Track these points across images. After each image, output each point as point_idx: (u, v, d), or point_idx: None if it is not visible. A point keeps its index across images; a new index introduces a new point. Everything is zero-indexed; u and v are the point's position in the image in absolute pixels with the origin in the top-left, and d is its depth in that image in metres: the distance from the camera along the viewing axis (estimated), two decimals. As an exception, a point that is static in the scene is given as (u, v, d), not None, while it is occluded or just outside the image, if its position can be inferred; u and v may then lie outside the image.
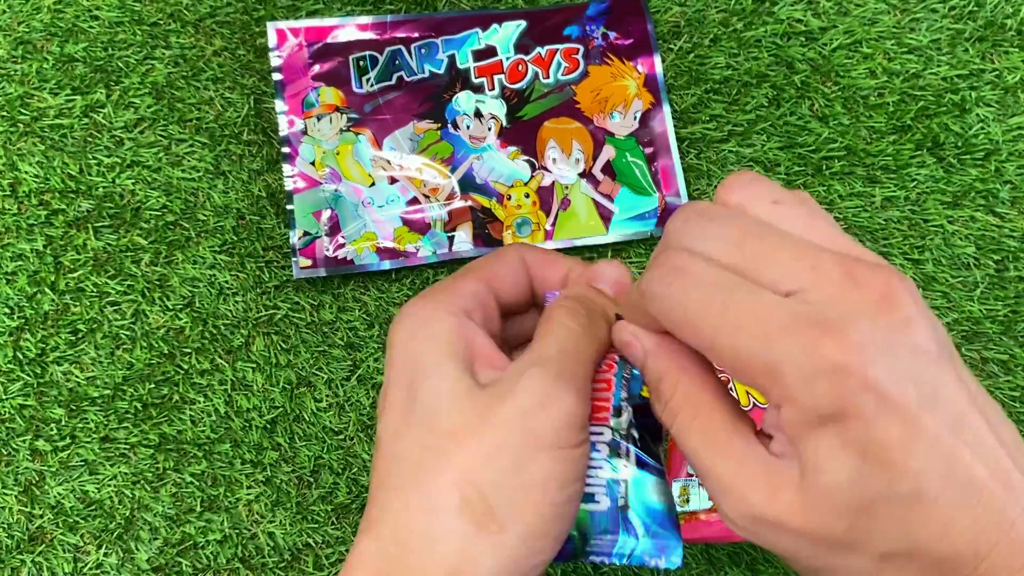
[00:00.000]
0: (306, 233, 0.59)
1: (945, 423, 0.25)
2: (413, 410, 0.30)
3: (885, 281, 0.25)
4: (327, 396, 0.58)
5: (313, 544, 0.56)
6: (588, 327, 0.32)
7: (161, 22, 0.63)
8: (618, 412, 0.32)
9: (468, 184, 0.61)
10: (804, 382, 0.24)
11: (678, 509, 0.54)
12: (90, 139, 0.61)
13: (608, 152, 0.62)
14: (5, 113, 0.61)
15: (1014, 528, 0.25)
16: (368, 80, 0.62)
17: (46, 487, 0.56)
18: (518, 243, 0.36)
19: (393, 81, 0.62)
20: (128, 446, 0.57)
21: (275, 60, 0.62)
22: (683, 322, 0.27)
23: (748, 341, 0.25)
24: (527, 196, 0.61)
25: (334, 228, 0.60)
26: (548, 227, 0.60)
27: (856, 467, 0.25)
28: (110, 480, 0.57)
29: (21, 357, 0.58)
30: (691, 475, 0.53)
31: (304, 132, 0.61)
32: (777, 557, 0.57)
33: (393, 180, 0.61)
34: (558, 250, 0.60)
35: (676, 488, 0.54)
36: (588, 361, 0.31)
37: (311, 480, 0.57)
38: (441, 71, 0.63)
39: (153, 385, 0.58)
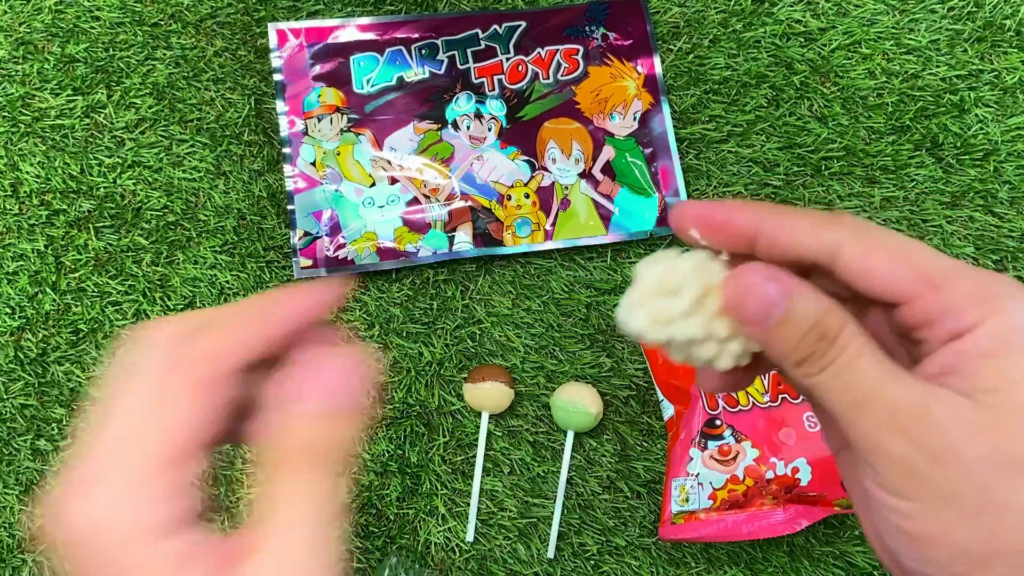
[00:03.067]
0: (307, 233, 0.59)
1: None
2: None
3: None
4: (327, 396, 0.58)
5: (313, 543, 0.56)
6: (339, 472, 0.25)
7: (162, 23, 0.63)
8: None
9: (468, 184, 0.61)
10: (1016, 298, 0.24)
11: (679, 508, 0.54)
12: (91, 139, 0.61)
13: (608, 152, 0.62)
14: (6, 113, 0.61)
15: None
16: (368, 81, 0.62)
17: (47, 487, 0.57)
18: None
19: (393, 82, 0.62)
20: (129, 446, 0.57)
21: (276, 61, 0.62)
22: (864, 251, 0.26)
23: (945, 268, 0.25)
24: (527, 196, 0.61)
25: (334, 228, 0.60)
26: (548, 227, 0.61)
27: None
28: (111, 479, 0.57)
29: (22, 357, 0.58)
30: (690, 474, 0.54)
31: (305, 132, 0.61)
32: (775, 556, 0.57)
33: (393, 180, 0.61)
34: (558, 250, 0.61)
35: (675, 488, 0.54)
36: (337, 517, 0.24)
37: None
38: (441, 72, 0.63)
39: (154, 385, 0.58)
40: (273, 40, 0.62)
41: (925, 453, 0.24)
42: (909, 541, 0.25)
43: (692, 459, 0.54)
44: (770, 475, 0.53)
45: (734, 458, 0.53)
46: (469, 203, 0.61)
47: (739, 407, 0.54)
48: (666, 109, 0.63)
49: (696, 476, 0.53)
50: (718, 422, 0.54)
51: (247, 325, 0.25)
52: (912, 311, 0.26)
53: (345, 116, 0.62)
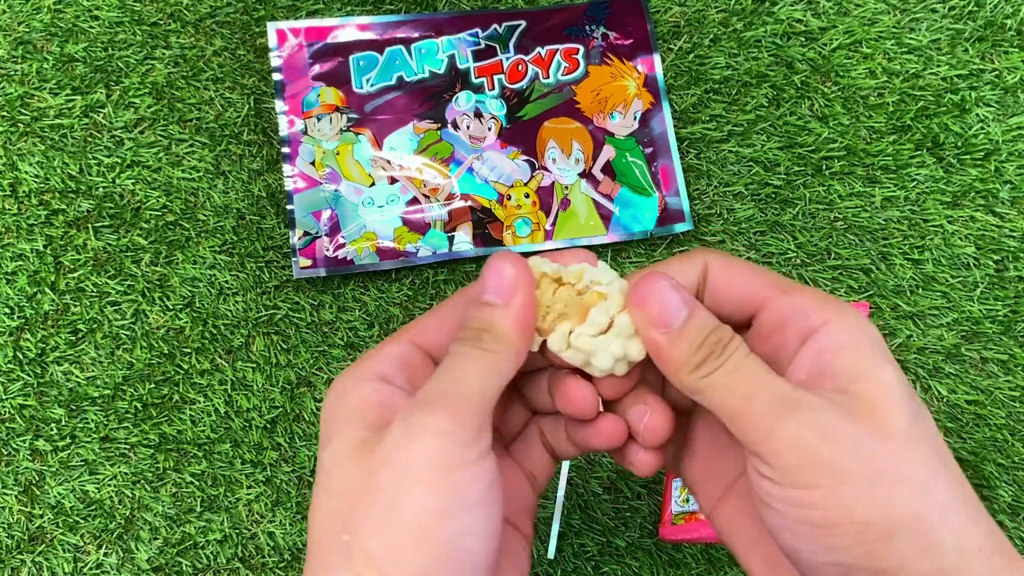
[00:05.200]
0: (306, 233, 0.59)
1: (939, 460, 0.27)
2: (319, 480, 0.29)
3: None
4: (327, 396, 0.58)
5: (313, 544, 0.56)
6: (473, 350, 0.30)
7: (161, 22, 0.63)
8: None
9: (468, 184, 0.61)
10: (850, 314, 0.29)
11: (679, 508, 0.54)
12: (90, 139, 0.61)
13: (608, 152, 0.62)
14: (5, 113, 0.61)
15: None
16: (368, 80, 0.62)
17: (46, 487, 0.56)
18: (462, 290, 0.33)
19: (393, 81, 0.62)
20: (128, 446, 0.57)
21: (275, 60, 0.62)
22: (744, 280, 0.31)
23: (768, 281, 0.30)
24: (527, 196, 0.61)
25: (334, 228, 0.60)
26: (548, 227, 0.60)
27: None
28: (110, 480, 0.57)
29: (21, 357, 0.58)
30: None
31: (304, 132, 0.61)
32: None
33: (393, 180, 0.61)
34: (558, 250, 0.60)
35: (676, 488, 0.54)
36: (472, 380, 0.29)
37: (311, 480, 0.57)
38: (441, 71, 0.63)
39: (153, 385, 0.58)
40: (272, 40, 0.62)
41: (813, 430, 0.26)
42: (814, 531, 0.27)
43: None
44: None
45: None
46: (469, 203, 0.61)
47: None
48: (666, 109, 0.63)
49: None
50: None
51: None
52: (768, 314, 0.29)
53: (345, 116, 0.61)
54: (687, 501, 0.53)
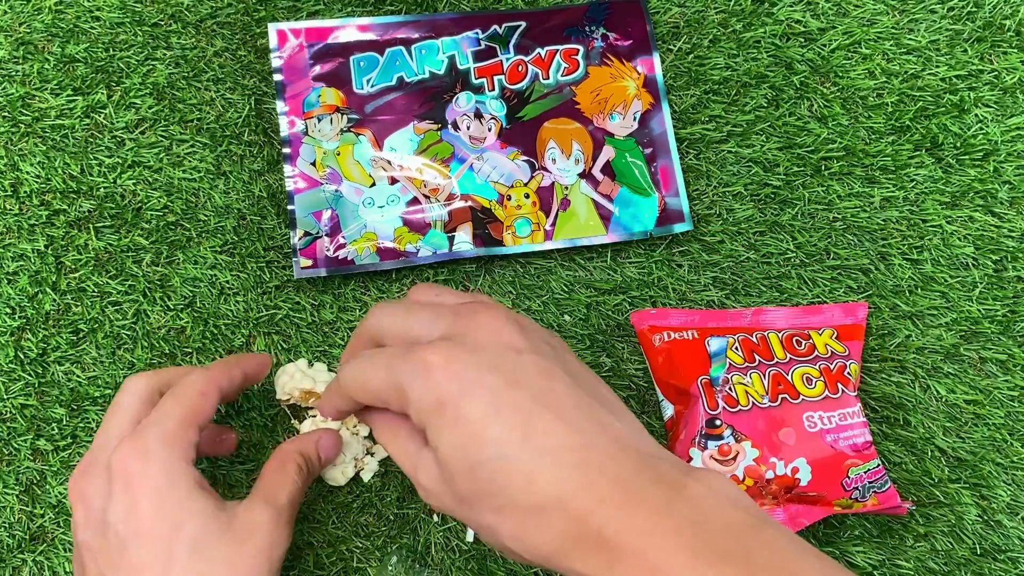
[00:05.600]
0: (307, 233, 0.60)
1: (517, 405, 0.34)
2: (183, 544, 0.43)
3: (473, 309, 0.37)
4: (327, 396, 0.58)
5: (314, 543, 0.56)
6: (306, 482, 0.49)
7: (162, 23, 0.63)
8: None
9: (468, 184, 0.61)
10: (413, 387, 0.35)
11: None
12: (91, 139, 0.61)
13: (608, 152, 0.62)
14: (6, 114, 0.61)
15: (595, 478, 0.32)
16: (368, 81, 0.63)
17: (47, 486, 0.57)
18: (201, 375, 0.47)
19: (393, 82, 0.62)
20: (129, 446, 0.57)
21: (276, 61, 0.62)
22: (359, 388, 0.39)
23: (386, 379, 0.37)
24: (527, 196, 0.61)
25: (335, 228, 0.60)
26: (548, 227, 0.61)
27: (454, 441, 0.34)
28: (111, 479, 0.57)
29: (22, 357, 0.58)
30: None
31: (305, 132, 0.61)
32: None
33: (393, 180, 0.61)
34: (558, 250, 0.61)
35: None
36: (298, 503, 0.48)
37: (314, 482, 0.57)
38: (441, 72, 0.63)
39: (154, 385, 0.58)
40: (273, 40, 0.62)
41: (427, 499, 0.38)
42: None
43: (692, 459, 0.54)
44: (770, 475, 0.53)
45: (734, 458, 0.53)
46: (469, 203, 0.61)
47: (739, 407, 0.54)
48: (666, 109, 0.63)
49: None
50: (718, 422, 0.54)
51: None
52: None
53: (345, 116, 0.62)
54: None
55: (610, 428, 0.34)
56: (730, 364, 0.56)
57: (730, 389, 0.55)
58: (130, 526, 0.42)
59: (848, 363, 0.56)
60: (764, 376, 0.55)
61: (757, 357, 0.56)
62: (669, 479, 0.33)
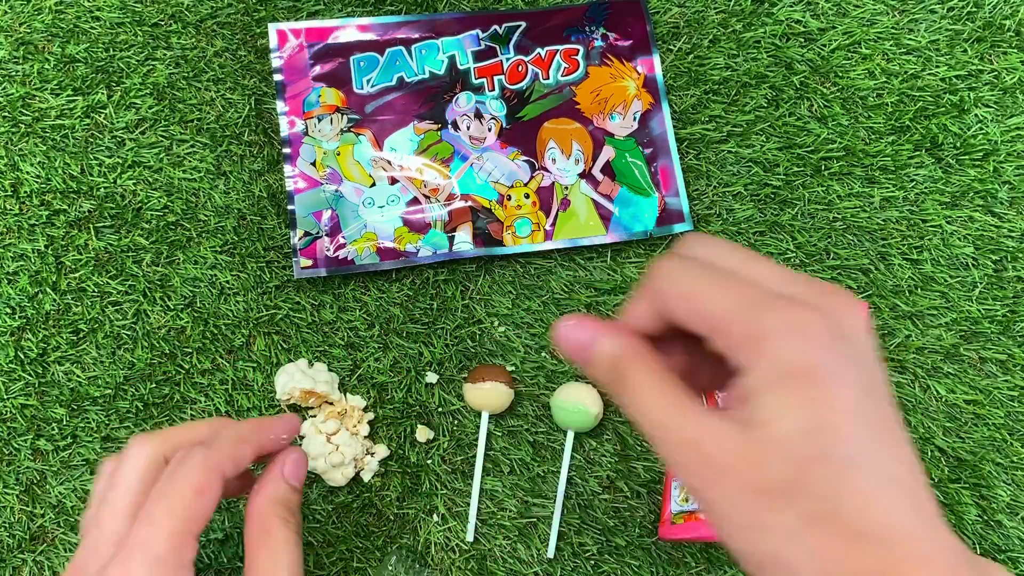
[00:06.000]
0: (307, 233, 0.60)
1: (879, 416, 0.29)
2: None
3: (832, 289, 0.31)
4: (328, 396, 0.59)
5: (314, 543, 0.56)
6: (297, 530, 0.41)
7: (162, 23, 0.63)
8: None
9: (468, 184, 0.61)
10: (783, 338, 0.28)
11: (678, 508, 0.54)
12: (91, 140, 0.61)
13: (608, 152, 0.62)
14: (7, 114, 0.61)
15: (926, 532, 0.27)
16: (368, 81, 0.63)
17: (47, 486, 0.57)
18: (212, 458, 0.41)
19: (393, 82, 0.63)
20: (129, 445, 0.57)
21: (276, 61, 0.62)
22: (686, 298, 0.31)
23: (742, 310, 0.30)
24: (527, 196, 0.61)
25: (335, 228, 0.60)
26: (548, 227, 0.61)
27: (807, 420, 0.28)
28: (111, 479, 0.57)
29: (23, 357, 0.58)
30: None
31: (305, 133, 0.61)
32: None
33: (393, 180, 0.61)
34: (558, 250, 0.61)
35: (676, 487, 0.54)
36: (302, 564, 0.41)
37: (311, 479, 0.57)
38: (441, 72, 0.63)
39: (154, 385, 0.58)
40: (273, 40, 0.62)
41: (701, 479, 0.30)
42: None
43: None
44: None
45: None
46: (469, 203, 0.61)
47: None
48: (666, 109, 0.63)
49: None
50: None
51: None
52: (712, 346, 0.31)
53: (345, 116, 0.62)
54: (686, 500, 0.53)
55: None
56: None
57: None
58: None
59: None
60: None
61: None
62: (981, 565, 0.30)
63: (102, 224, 0.60)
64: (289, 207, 0.60)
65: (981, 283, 0.62)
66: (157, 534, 0.38)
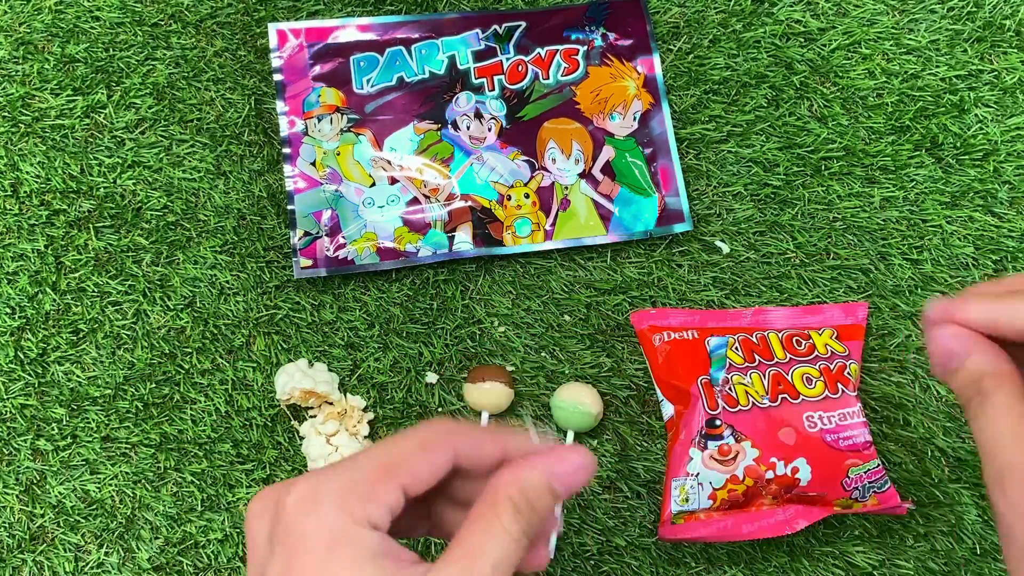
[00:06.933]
0: (307, 233, 0.60)
1: None
2: None
3: None
4: (327, 396, 0.59)
5: (314, 543, 0.56)
6: (526, 533, 0.32)
7: (162, 23, 0.63)
8: None
9: (468, 184, 0.61)
10: None
11: (677, 508, 0.54)
12: (91, 139, 0.61)
13: (608, 152, 0.62)
14: (6, 113, 0.61)
15: None
16: (368, 81, 0.63)
17: (47, 486, 0.57)
18: (446, 426, 0.34)
19: (393, 82, 0.63)
20: (129, 445, 0.57)
21: (276, 61, 0.62)
22: None
23: None
24: (527, 196, 0.61)
25: (335, 228, 0.60)
26: (548, 227, 0.61)
27: None
28: (111, 479, 0.57)
29: (22, 357, 0.58)
30: (690, 474, 0.54)
31: (305, 133, 0.61)
32: (775, 556, 0.57)
33: (393, 180, 0.61)
34: (558, 250, 0.61)
35: (675, 488, 0.54)
36: (513, 567, 0.31)
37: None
38: (441, 72, 0.63)
39: (154, 385, 0.58)
40: (273, 40, 0.62)
41: None
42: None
43: (692, 459, 0.54)
44: (770, 475, 0.53)
45: (734, 458, 0.53)
46: (469, 203, 0.61)
47: (739, 407, 0.54)
48: (666, 109, 0.63)
49: (696, 476, 0.53)
50: (718, 422, 0.54)
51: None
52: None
53: (345, 116, 0.62)
54: (686, 501, 0.54)
55: None
56: (730, 364, 0.56)
57: (730, 389, 0.55)
58: None
59: (848, 363, 0.56)
60: (764, 376, 0.55)
61: (757, 357, 0.56)
62: None
63: (102, 224, 0.60)
64: (289, 207, 0.60)
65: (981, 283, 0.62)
66: (361, 463, 0.33)
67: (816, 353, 0.56)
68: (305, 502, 0.31)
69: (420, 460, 0.33)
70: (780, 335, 0.57)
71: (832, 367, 0.56)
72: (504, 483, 0.33)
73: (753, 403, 0.54)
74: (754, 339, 0.57)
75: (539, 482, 0.33)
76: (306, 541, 0.31)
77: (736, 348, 0.56)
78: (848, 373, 0.56)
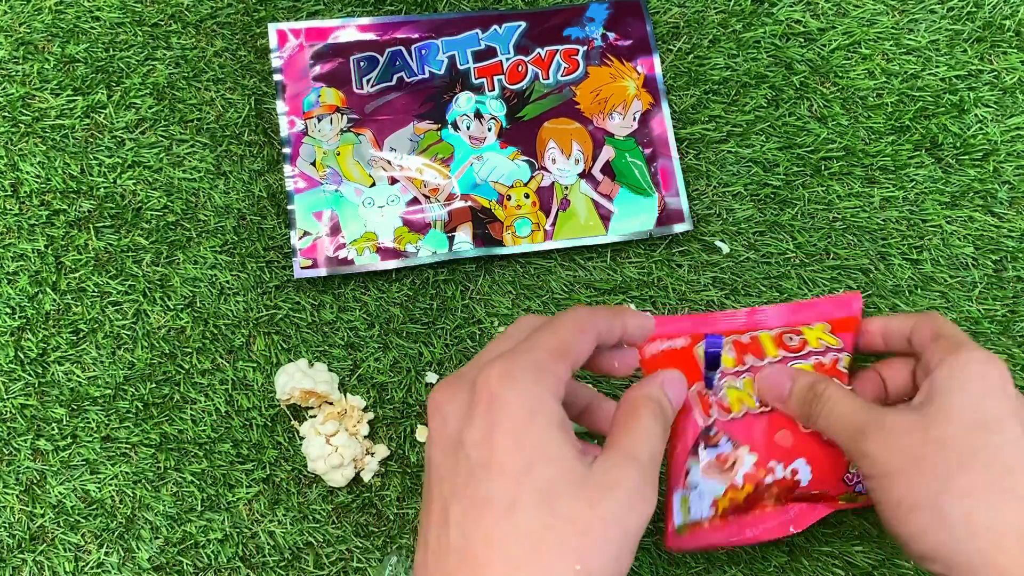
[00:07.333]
0: (307, 233, 0.60)
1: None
2: (533, 488, 0.36)
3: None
4: (327, 396, 0.59)
5: (314, 543, 0.56)
6: (667, 429, 0.41)
7: (162, 23, 0.63)
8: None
9: (468, 184, 0.61)
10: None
11: (679, 521, 0.53)
12: (91, 139, 0.61)
13: (607, 152, 0.62)
14: (7, 114, 0.61)
15: None
16: (368, 81, 0.63)
17: (47, 486, 0.57)
18: (587, 310, 0.42)
19: (393, 82, 0.63)
20: (129, 445, 0.57)
21: (276, 61, 0.62)
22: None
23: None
24: (527, 196, 0.61)
25: (334, 228, 0.60)
26: (548, 227, 0.61)
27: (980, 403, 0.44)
28: (111, 479, 0.57)
29: (23, 357, 0.58)
30: (689, 485, 0.53)
31: (305, 133, 0.61)
32: (775, 556, 0.57)
33: (393, 180, 0.61)
34: (558, 250, 0.61)
35: (677, 498, 0.53)
36: (660, 460, 0.40)
37: (311, 479, 0.57)
38: (441, 72, 0.63)
39: (154, 385, 0.58)
40: (273, 40, 0.62)
41: (880, 446, 0.45)
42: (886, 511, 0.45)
43: (690, 470, 0.53)
44: (769, 480, 0.53)
45: (732, 466, 0.52)
46: (469, 203, 0.61)
47: (732, 414, 0.53)
48: (666, 109, 0.63)
49: (696, 488, 0.52)
50: (713, 431, 0.53)
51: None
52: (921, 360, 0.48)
53: (345, 116, 0.62)
54: (688, 512, 0.53)
55: None
56: (722, 369, 0.54)
57: (723, 396, 0.54)
58: (482, 454, 0.37)
59: (841, 355, 0.55)
60: (756, 379, 0.54)
61: (749, 359, 0.54)
62: None
63: (102, 224, 0.60)
64: (289, 207, 0.60)
65: (981, 283, 0.62)
66: (540, 345, 0.39)
67: (808, 348, 0.55)
68: (506, 377, 0.37)
69: (582, 341, 0.40)
70: (771, 332, 0.56)
71: (826, 361, 0.55)
72: (636, 395, 0.42)
73: (746, 409, 0.53)
74: (745, 339, 0.55)
75: (660, 393, 0.42)
76: (509, 407, 0.37)
77: (729, 351, 0.55)
78: (842, 366, 0.55)
